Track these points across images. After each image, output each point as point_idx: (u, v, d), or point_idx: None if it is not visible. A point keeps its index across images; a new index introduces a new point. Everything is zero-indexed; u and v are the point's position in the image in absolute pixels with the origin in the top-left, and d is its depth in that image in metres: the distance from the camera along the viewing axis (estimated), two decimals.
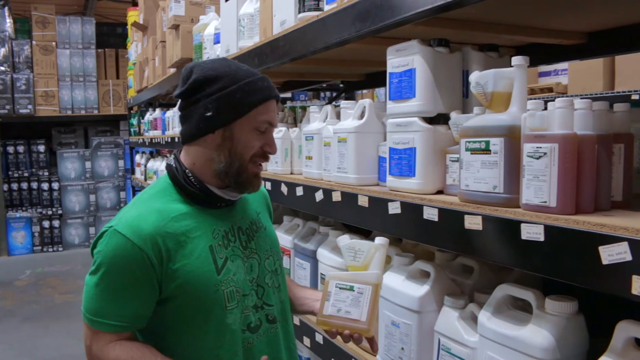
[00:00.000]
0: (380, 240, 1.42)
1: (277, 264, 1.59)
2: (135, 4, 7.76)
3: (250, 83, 1.40)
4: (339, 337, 1.43)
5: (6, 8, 8.39)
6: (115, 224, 1.36)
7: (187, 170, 1.44)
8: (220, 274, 1.40)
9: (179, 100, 1.47)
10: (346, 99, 3.68)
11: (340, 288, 1.39)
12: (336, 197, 1.89)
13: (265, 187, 2.39)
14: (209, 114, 1.39)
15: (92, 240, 8.46)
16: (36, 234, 8.46)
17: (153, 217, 1.37)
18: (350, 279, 1.40)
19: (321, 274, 2.21)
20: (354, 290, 1.38)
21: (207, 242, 1.41)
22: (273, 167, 2.49)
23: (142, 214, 1.38)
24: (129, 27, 7.42)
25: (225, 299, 1.40)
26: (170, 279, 1.35)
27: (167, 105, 6.21)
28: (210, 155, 1.43)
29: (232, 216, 1.51)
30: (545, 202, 1.17)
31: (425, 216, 1.46)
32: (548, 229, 1.12)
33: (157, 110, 6.09)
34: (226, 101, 1.39)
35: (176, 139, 4.68)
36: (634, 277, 0.96)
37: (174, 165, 1.47)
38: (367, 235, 2.16)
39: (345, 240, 1.45)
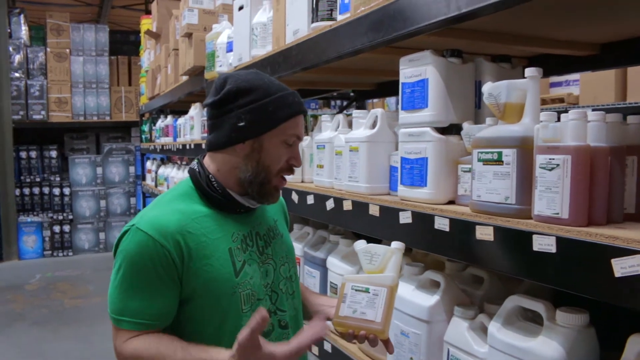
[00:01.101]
0: (396, 244, 1.43)
1: (292, 271, 1.60)
2: (148, 12, 7.84)
3: (282, 97, 1.44)
4: (348, 341, 1.44)
5: (22, 16, 8.50)
6: (137, 222, 1.39)
7: (210, 176, 1.47)
8: (239, 276, 1.42)
9: (208, 108, 1.50)
10: (357, 107, 3.69)
11: (356, 290, 1.41)
12: (347, 206, 1.89)
13: None
14: (241, 124, 1.42)
15: (101, 245, 8.52)
16: (47, 239, 8.51)
17: (175, 216, 1.39)
18: (366, 281, 1.41)
19: (330, 282, 2.21)
20: (369, 292, 1.39)
21: (226, 245, 1.43)
22: None
23: (164, 213, 1.41)
24: (142, 35, 7.48)
25: (242, 302, 1.42)
26: (190, 279, 1.38)
27: (179, 113, 6.25)
28: (237, 164, 1.46)
29: (251, 221, 1.54)
30: (557, 213, 1.17)
31: (436, 226, 1.46)
32: (560, 241, 1.12)
33: (169, 118, 6.12)
34: (259, 113, 1.42)
35: (187, 146, 4.70)
36: None
37: (197, 170, 1.50)
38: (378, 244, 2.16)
39: (361, 244, 1.47)
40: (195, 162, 1.53)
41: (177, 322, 1.42)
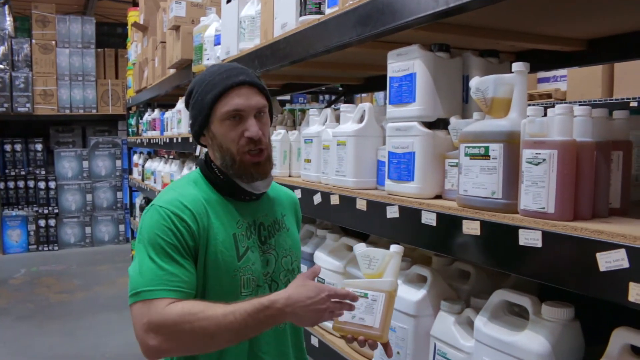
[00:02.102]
0: (395, 248, 1.44)
1: (294, 264, 1.64)
2: (135, 4, 7.76)
3: (209, 83, 1.51)
4: (349, 343, 1.45)
5: (6, 6, 8.39)
6: (156, 202, 1.47)
7: (212, 164, 1.56)
8: (241, 260, 1.48)
9: None
10: (345, 102, 3.68)
11: None
12: (334, 200, 1.89)
13: None
14: (191, 122, 1.57)
15: (87, 240, 8.47)
16: (32, 233, 8.45)
17: (190, 197, 1.48)
18: (364, 287, 1.42)
19: (318, 277, 2.21)
20: (367, 298, 1.40)
21: (231, 230, 1.50)
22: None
23: (179, 194, 1.48)
24: (129, 27, 7.41)
25: (242, 285, 1.47)
26: (199, 255, 1.44)
27: (166, 106, 6.20)
28: (215, 153, 1.55)
29: (256, 212, 1.59)
30: (543, 208, 1.17)
31: (423, 221, 1.46)
32: (546, 235, 1.12)
33: (156, 111, 6.08)
34: (195, 107, 1.54)
35: (174, 140, 4.67)
36: (631, 284, 0.96)
37: (204, 159, 1.60)
38: (365, 239, 2.16)
39: (361, 248, 1.48)
40: (203, 154, 1.64)
41: None
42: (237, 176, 1.53)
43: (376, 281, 1.42)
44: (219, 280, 1.45)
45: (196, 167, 1.64)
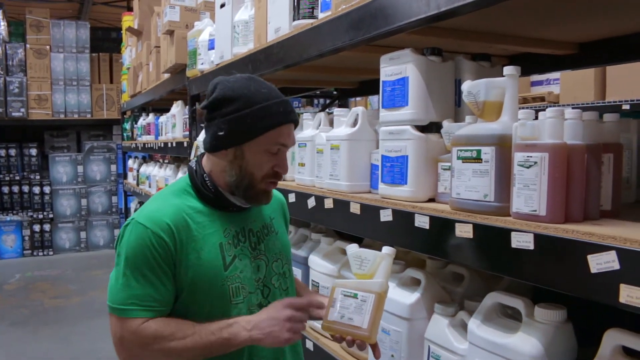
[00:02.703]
0: (386, 249, 1.44)
1: (285, 267, 1.63)
2: (130, 9, 7.77)
3: (263, 108, 1.46)
4: (338, 342, 1.46)
5: (0, 11, 8.37)
6: (136, 217, 1.46)
7: (205, 175, 1.53)
8: (227, 270, 1.47)
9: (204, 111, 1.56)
10: (339, 106, 3.69)
11: (345, 295, 1.42)
12: (328, 204, 1.89)
13: None
14: (220, 133, 1.47)
15: (82, 244, 8.43)
16: (26, 238, 8.41)
17: (170, 209, 1.46)
18: (355, 287, 1.42)
19: (312, 280, 2.21)
20: (357, 298, 1.40)
21: (217, 240, 1.49)
22: None
23: (160, 207, 1.48)
24: (123, 32, 7.41)
25: (231, 294, 1.47)
26: (181, 269, 1.43)
27: (161, 110, 6.20)
28: (225, 168, 1.51)
29: (245, 219, 1.58)
30: (535, 210, 1.18)
31: (416, 224, 1.47)
32: (538, 238, 1.13)
33: (151, 115, 6.08)
34: (237, 124, 1.45)
35: (169, 144, 4.67)
36: (622, 286, 0.97)
37: (194, 168, 1.57)
38: (359, 242, 2.16)
39: (353, 248, 1.48)
40: (194, 161, 1.60)
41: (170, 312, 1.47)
42: (244, 197, 1.52)
43: (366, 282, 1.42)
44: (206, 291, 1.45)
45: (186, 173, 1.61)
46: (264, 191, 1.52)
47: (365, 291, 1.40)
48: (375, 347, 1.44)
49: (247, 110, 1.45)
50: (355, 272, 1.46)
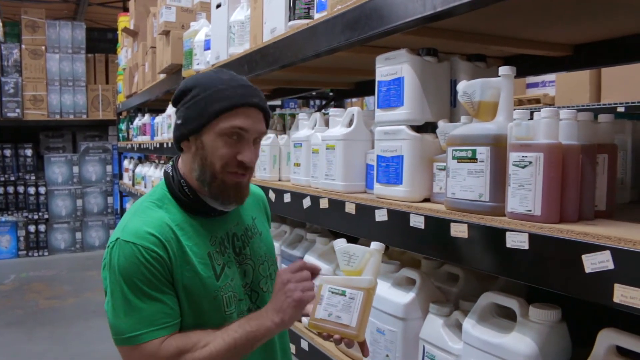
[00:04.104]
0: (375, 245, 1.41)
1: (271, 269, 1.60)
2: (126, 10, 7.75)
3: (219, 91, 1.39)
4: (325, 340, 1.43)
5: None
6: (120, 235, 1.36)
7: (182, 180, 1.45)
8: (219, 279, 1.42)
9: None
10: (335, 107, 3.69)
11: (332, 292, 1.39)
12: (323, 204, 1.89)
13: None
14: (179, 122, 1.43)
15: (78, 245, 8.39)
16: (21, 239, 8.38)
17: (155, 222, 1.38)
18: (342, 284, 1.39)
19: None
20: (345, 296, 1.37)
21: (205, 249, 1.43)
22: (261, 173, 2.50)
23: (145, 221, 1.38)
24: (119, 32, 7.41)
25: (224, 304, 1.42)
26: (177, 282, 1.37)
27: (156, 111, 6.19)
28: (191, 164, 1.44)
29: (227, 223, 1.52)
30: (530, 210, 1.18)
31: (411, 224, 1.47)
32: (532, 238, 1.13)
33: (146, 116, 6.07)
34: (193, 109, 1.40)
35: (165, 145, 4.67)
36: (616, 286, 0.97)
37: (170, 173, 1.49)
38: (355, 242, 2.16)
39: (340, 244, 1.45)
40: (169, 165, 1.51)
41: None
42: (211, 196, 1.43)
43: (355, 279, 1.39)
44: (200, 303, 1.39)
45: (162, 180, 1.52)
46: (232, 185, 1.42)
47: (354, 288, 1.37)
48: (363, 345, 1.41)
49: (202, 94, 1.40)
50: (343, 269, 1.43)
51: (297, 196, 2.08)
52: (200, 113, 1.39)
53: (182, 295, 1.37)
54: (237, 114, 1.38)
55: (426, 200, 1.58)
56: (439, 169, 1.53)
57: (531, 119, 1.25)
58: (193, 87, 1.43)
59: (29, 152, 8.61)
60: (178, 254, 1.36)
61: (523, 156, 1.20)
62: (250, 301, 1.51)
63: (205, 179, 1.41)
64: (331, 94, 3.92)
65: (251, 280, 1.52)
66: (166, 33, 4.10)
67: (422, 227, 1.43)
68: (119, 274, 1.33)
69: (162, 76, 4.58)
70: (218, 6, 2.94)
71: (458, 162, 1.36)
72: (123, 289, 1.32)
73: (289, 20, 2.13)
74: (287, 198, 2.16)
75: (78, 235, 8.76)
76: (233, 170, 1.41)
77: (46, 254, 8.51)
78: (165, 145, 4.65)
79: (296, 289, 1.34)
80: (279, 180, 2.46)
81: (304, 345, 2.10)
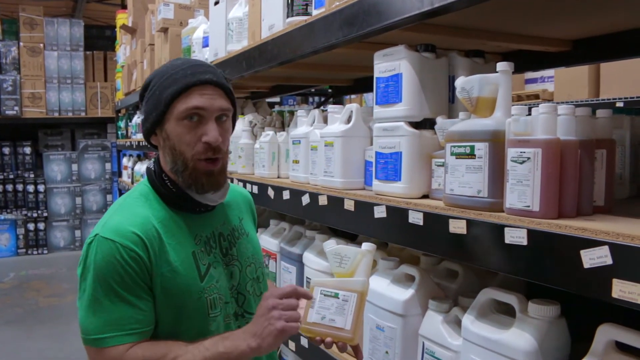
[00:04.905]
0: (366, 246, 1.39)
1: (259, 271, 1.56)
2: (124, 7, 7.74)
3: (170, 76, 1.36)
4: (317, 345, 1.40)
5: None
6: (100, 231, 1.33)
7: (164, 174, 1.42)
8: (204, 280, 1.38)
9: None
10: (334, 103, 3.69)
11: (324, 295, 1.36)
12: (322, 201, 1.89)
13: (251, 190, 2.40)
14: (142, 117, 1.42)
15: (77, 243, 8.39)
16: (21, 237, 8.38)
17: (137, 220, 1.34)
18: (335, 286, 1.36)
19: (307, 277, 2.21)
20: (338, 298, 1.34)
21: (189, 248, 1.39)
22: (260, 170, 2.50)
23: (125, 217, 1.35)
24: (117, 29, 7.39)
25: (208, 306, 1.37)
26: (156, 284, 1.32)
27: None
28: (164, 157, 1.42)
29: (214, 222, 1.49)
30: (528, 206, 1.18)
31: (410, 220, 1.47)
32: (531, 233, 1.13)
33: None
34: (150, 101, 1.39)
35: None
36: (615, 281, 0.97)
37: (153, 168, 1.46)
38: (353, 239, 2.16)
39: (331, 245, 1.43)
40: (152, 161, 1.49)
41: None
42: (186, 185, 1.39)
43: (348, 280, 1.36)
44: (182, 305, 1.34)
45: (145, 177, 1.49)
46: (204, 172, 1.37)
47: (347, 290, 1.34)
48: (357, 349, 1.38)
49: (155, 84, 1.38)
50: (335, 270, 1.40)
51: (296, 193, 2.08)
52: (157, 103, 1.36)
53: (161, 297, 1.33)
54: (191, 94, 1.34)
55: (425, 196, 1.58)
56: (438, 165, 1.53)
57: (529, 114, 1.25)
58: (151, 80, 1.41)
59: (27, 150, 8.60)
60: (159, 254, 1.32)
61: (521, 152, 1.20)
62: (237, 304, 1.47)
63: (178, 168, 1.38)
64: (330, 90, 3.91)
65: (238, 283, 1.48)
66: (164, 30, 4.10)
67: (421, 223, 1.43)
68: (94, 271, 1.29)
69: None
70: (216, 3, 2.94)
71: (456, 158, 1.36)
72: (96, 287, 1.28)
73: (287, 16, 2.12)
74: (286, 195, 2.15)
75: (77, 233, 8.76)
76: (203, 157, 1.37)
77: (45, 252, 8.51)
78: None
79: (281, 318, 1.27)
80: (278, 177, 2.45)
81: (304, 342, 2.10)
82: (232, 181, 2.66)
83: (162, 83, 1.37)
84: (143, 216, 1.36)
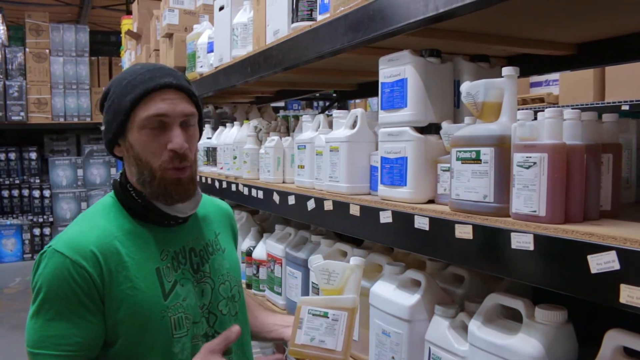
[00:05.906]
0: (355, 260, 1.34)
1: (234, 289, 1.49)
2: (129, 13, 7.77)
3: (128, 83, 1.30)
4: None
5: (0, 15, 8.38)
6: (54, 244, 1.27)
7: (128, 185, 1.36)
8: (168, 298, 1.31)
9: None
10: (339, 108, 3.69)
11: (313, 315, 1.30)
12: (328, 206, 1.89)
13: (257, 195, 2.40)
14: (103, 128, 1.36)
15: None
16: (26, 242, 8.41)
17: (95, 233, 1.29)
18: (324, 305, 1.31)
19: (312, 283, 2.21)
20: (328, 317, 1.29)
21: (153, 264, 1.32)
22: (265, 175, 2.50)
23: (83, 230, 1.30)
24: (122, 35, 7.41)
25: (172, 326, 1.30)
26: (112, 304, 1.26)
27: None
28: (129, 168, 1.36)
29: (184, 236, 1.42)
30: (534, 211, 1.18)
31: (416, 225, 1.47)
32: (537, 238, 1.13)
33: None
34: (110, 111, 1.34)
35: None
36: (622, 286, 0.96)
37: (119, 179, 1.40)
38: (359, 244, 2.16)
39: (317, 261, 1.37)
40: (119, 173, 1.43)
41: (104, 352, 1.30)
42: (154, 196, 1.32)
43: (336, 298, 1.31)
44: (143, 325, 1.27)
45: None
46: (172, 181, 1.31)
47: (337, 309, 1.29)
48: None
49: (114, 93, 1.32)
50: (323, 287, 1.34)
51: (302, 198, 2.08)
52: (116, 112, 1.31)
53: (121, 316, 1.26)
54: (151, 100, 1.29)
55: (430, 201, 1.58)
56: (443, 170, 1.53)
57: (535, 119, 1.25)
58: (109, 88, 1.36)
59: (33, 155, 8.64)
60: (116, 270, 1.26)
61: (527, 157, 1.19)
62: (208, 324, 1.40)
63: (145, 179, 1.32)
64: (334, 95, 3.91)
65: (209, 302, 1.41)
66: (169, 36, 4.10)
67: (427, 228, 1.43)
68: (41, 284, 1.24)
69: None
70: (221, 8, 2.95)
71: (462, 163, 1.36)
72: (42, 300, 1.24)
73: (292, 22, 2.12)
74: (291, 200, 2.15)
75: None
76: (170, 166, 1.31)
77: None
78: None
79: None
80: (283, 182, 2.46)
81: None
82: (237, 187, 2.66)
83: (121, 91, 1.31)
84: (103, 229, 1.30)
